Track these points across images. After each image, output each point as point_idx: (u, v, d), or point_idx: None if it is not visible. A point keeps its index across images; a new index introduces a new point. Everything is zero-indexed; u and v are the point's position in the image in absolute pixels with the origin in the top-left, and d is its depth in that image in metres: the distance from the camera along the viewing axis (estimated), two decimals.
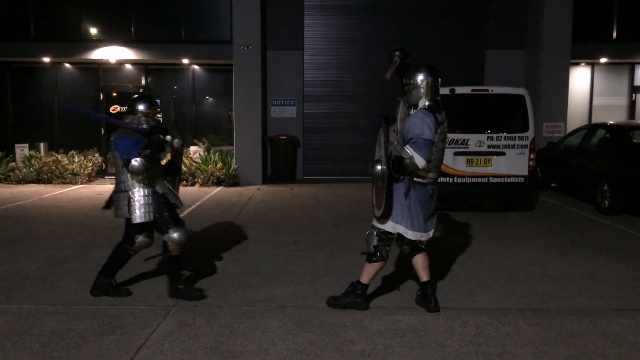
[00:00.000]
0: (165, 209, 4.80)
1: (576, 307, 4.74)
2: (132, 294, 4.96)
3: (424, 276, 4.61)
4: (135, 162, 4.48)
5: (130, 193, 4.70)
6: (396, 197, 4.38)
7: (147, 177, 4.74)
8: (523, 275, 5.66)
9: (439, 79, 4.50)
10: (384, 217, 4.37)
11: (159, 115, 4.97)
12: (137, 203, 4.69)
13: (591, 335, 4.13)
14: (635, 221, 8.47)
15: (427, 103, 4.39)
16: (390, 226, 4.41)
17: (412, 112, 4.45)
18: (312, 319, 4.40)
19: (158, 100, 4.98)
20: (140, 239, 4.83)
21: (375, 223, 4.50)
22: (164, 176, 5.06)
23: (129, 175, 4.69)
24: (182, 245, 4.87)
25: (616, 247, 6.91)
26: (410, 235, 4.42)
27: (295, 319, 4.42)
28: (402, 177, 4.36)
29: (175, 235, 4.78)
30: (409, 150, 4.19)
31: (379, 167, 4.30)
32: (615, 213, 8.90)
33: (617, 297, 4.99)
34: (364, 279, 4.58)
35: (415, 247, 4.62)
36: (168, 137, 4.65)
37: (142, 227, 4.80)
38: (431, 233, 4.61)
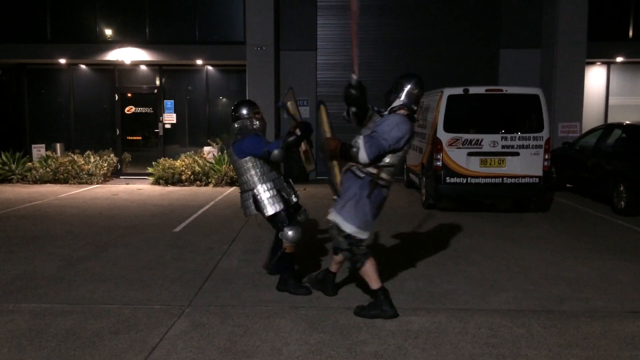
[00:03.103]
0: (283, 203, 5.09)
1: (591, 309, 4.70)
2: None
3: (335, 268, 4.85)
4: (276, 151, 4.89)
5: (254, 191, 5.06)
6: (354, 197, 4.38)
7: (265, 173, 5.08)
8: (538, 276, 5.62)
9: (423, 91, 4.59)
10: (337, 217, 4.39)
11: (258, 115, 5.30)
12: (264, 198, 5.03)
13: (606, 337, 4.09)
14: None
15: (404, 110, 4.44)
16: (349, 229, 4.37)
17: (386, 112, 4.50)
18: (325, 320, 4.41)
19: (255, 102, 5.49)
20: (289, 233, 5.00)
21: (332, 218, 4.45)
22: (281, 171, 5.36)
23: (251, 174, 5.05)
24: (296, 243, 5.06)
25: (632, 248, 6.83)
26: (363, 235, 4.40)
27: (308, 319, 4.43)
28: (362, 176, 4.37)
29: (290, 233, 5.00)
30: (359, 141, 4.26)
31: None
32: (631, 214, 8.79)
33: (633, 299, 4.94)
34: (373, 285, 4.46)
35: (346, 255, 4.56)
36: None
37: (286, 219, 5.03)
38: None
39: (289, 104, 5.29)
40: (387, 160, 4.40)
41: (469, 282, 5.43)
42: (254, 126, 5.20)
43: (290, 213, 5.14)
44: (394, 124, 4.32)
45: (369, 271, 4.45)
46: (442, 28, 14.21)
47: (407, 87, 4.49)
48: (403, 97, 4.48)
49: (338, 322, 4.35)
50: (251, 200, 5.11)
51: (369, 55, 14.31)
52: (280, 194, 5.12)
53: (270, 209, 5.03)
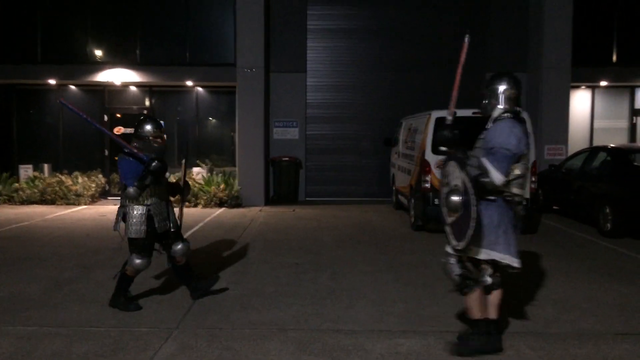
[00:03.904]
0: (146, 232, 5.04)
1: (578, 331, 4.73)
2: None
3: (493, 313, 4.22)
4: (130, 189, 4.91)
5: (127, 209, 5.02)
6: (487, 220, 3.92)
7: (143, 197, 5.04)
8: (525, 298, 5.65)
9: (520, 89, 4.22)
10: (474, 245, 3.92)
11: (159, 140, 5.29)
12: (131, 219, 4.99)
13: (594, 359, 4.11)
14: (638, 244, 8.45)
15: (507, 114, 4.05)
16: (484, 253, 3.98)
17: (490, 124, 4.14)
18: (314, 342, 4.40)
19: (162, 123, 5.47)
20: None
21: (451, 250, 4.09)
22: (166, 197, 5.30)
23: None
24: (137, 273, 5.16)
25: (618, 270, 6.89)
26: (507, 260, 3.99)
27: (297, 341, 4.41)
28: (493, 198, 3.95)
29: (137, 261, 5.03)
30: (486, 164, 3.85)
31: (455, 198, 3.87)
32: (617, 236, 8.89)
33: (619, 321, 4.98)
34: (475, 315, 4.12)
35: (495, 281, 4.20)
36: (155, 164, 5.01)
37: (141, 247, 5.02)
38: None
39: (183, 162, 5.81)
40: (514, 172, 3.98)
41: (457, 304, 5.44)
42: (154, 147, 5.17)
43: (149, 243, 5.09)
44: (507, 130, 3.93)
45: (474, 300, 4.10)
46: (430, 52, 14.39)
47: (502, 90, 4.15)
48: (502, 103, 4.13)
49: (327, 345, 4.34)
50: (121, 217, 5.09)
51: (362, 78, 14.51)
52: (150, 220, 5.04)
53: (132, 232, 5.00)
